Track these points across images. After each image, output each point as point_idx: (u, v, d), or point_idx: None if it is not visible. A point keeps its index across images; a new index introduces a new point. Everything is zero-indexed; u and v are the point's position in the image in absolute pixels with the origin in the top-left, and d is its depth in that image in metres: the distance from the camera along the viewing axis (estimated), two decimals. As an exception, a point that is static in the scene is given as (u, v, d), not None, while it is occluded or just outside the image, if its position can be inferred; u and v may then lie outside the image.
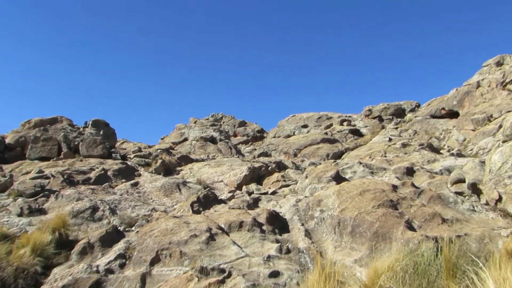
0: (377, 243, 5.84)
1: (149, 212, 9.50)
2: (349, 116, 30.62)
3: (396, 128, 23.21)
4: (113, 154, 15.28)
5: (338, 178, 9.84)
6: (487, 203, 7.22)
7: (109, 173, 12.70)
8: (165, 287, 5.43)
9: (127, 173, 13.24)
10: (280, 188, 11.75)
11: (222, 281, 5.21)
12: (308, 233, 6.90)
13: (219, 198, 10.54)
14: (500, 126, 14.10)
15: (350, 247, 6.14)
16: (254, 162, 15.56)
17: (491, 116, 16.41)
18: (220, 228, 6.96)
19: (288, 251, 6.21)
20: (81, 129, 17.00)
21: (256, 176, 13.22)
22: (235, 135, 35.71)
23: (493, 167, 7.09)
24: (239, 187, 12.31)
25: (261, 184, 12.69)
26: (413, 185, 8.17)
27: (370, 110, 29.19)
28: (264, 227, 7.12)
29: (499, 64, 20.62)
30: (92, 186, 11.28)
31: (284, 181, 12.38)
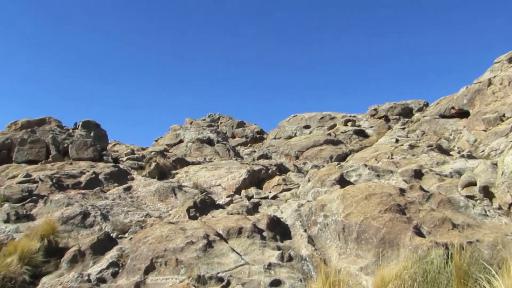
0: (384, 250, 5.84)
1: (143, 218, 9.50)
2: (354, 116, 30.67)
3: (403, 128, 23.24)
4: (104, 157, 15.28)
5: (343, 182, 9.85)
6: (499, 208, 7.25)
7: (100, 176, 12.70)
8: (161, 297, 5.43)
9: (120, 176, 13.24)
10: (281, 192, 11.75)
11: (221, 291, 5.21)
12: (311, 240, 6.91)
13: (217, 203, 10.54)
14: (513, 126, 14.15)
15: (355, 254, 6.15)
16: (253, 164, 15.57)
17: (504, 115, 16.44)
18: (218, 234, 6.96)
19: (290, 258, 6.21)
20: (71, 131, 17.00)
21: (256, 179, 13.23)
22: (233, 137, 35.73)
23: (506, 169, 7.11)
24: (237, 191, 12.31)
25: (261, 188, 12.69)
26: (421, 188, 8.19)
27: (375, 109, 29.23)
28: (264, 234, 7.12)
29: (511, 60, 20.68)
30: (83, 191, 11.28)
31: (286, 185, 12.39)
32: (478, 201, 7.64)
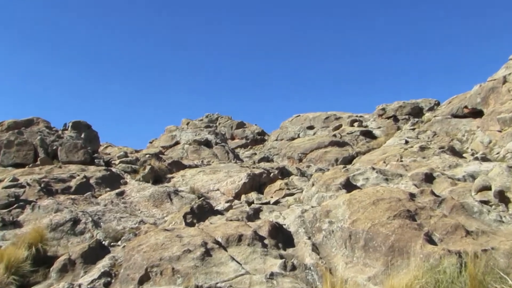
0: (393, 259, 5.84)
1: (136, 225, 9.51)
2: (361, 116, 30.70)
3: (413, 129, 23.26)
4: (96, 160, 15.29)
5: (349, 186, 9.85)
6: (516, 213, 7.23)
7: (91, 181, 12.71)
8: (156, 309, 5.44)
9: (112, 181, 13.25)
10: (283, 197, 11.75)
11: (220, 302, 5.21)
12: (315, 248, 6.91)
13: (215, 208, 10.55)
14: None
15: (363, 263, 6.15)
16: (254, 168, 15.58)
17: (520, 115, 16.44)
18: (217, 242, 6.97)
19: (294, 267, 6.21)
20: (60, 132, 17.03)
21: (257, 184, 13.23)
22: (232, 138, 35.79)
23: (522, 173, 7.11)
24: (237, 196, 12.32)
25: (262, 193, 12.70)
26: (432, 193, 8.19)
27: (383, 109, 29.27)
28: (266, 241, 7.12)
29: (528, 57, 20.68)
30: (73, 196, 11.29)
31: (288, 189, 12.39)
32: (493, 207, 7.64)
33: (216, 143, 25.42)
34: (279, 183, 13.01)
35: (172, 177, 15.07)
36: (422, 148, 16.42)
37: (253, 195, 12.15)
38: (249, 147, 33.72)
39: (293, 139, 29.74)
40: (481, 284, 3.88)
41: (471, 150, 16.83)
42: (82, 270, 7.00)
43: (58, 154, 14.74)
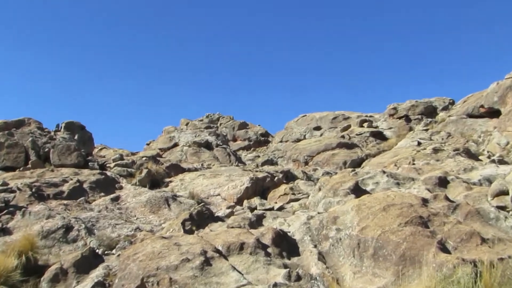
0: (404, 268, 5.83)
1: (132, 232, 9.53)
2: (370, 116, 30.68)
3: (426, 130, 23.21)
4: (90, 163, 15.36)
5: (358, 191, 9.84)
6: (535, 220, 7.20)
7: (85, 185, 12.76)
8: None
9: (107, 185, 13.29)
10: (288, 202, 11.75)
11: (220, 314, 5.22)
12: (322, 257, 6.90)
13: (216, 215, 10.56)
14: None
15: (372, 273, 6.13)
16: (257, 171, 15.60)
17: (540, 115, 16.38)
18: (217, 250, 6.97)
19: (298, 278, 6.21)
20: (52, 134, 17.11)
21: (260, 188, 13.23)
22: (234, 140, 35.85)
23: (542, 177, 7.09)
24: (239, 201, 12.33)
25: (265, 198, 12.71)
26: (446, 198, 8.17)
27: (395, 108, 29.22)
28: (269, 250, 7.12)
29: (548, 53, 20.61)
30: (65, 201, 11.33)
31: (293, 194, 12.39)
32: (511, 213, 7.61)
33: (217, 145, 25.48)
34: (283, 188, 13.01)
35: (170, 181, 15.11)
36: (436, 150, 16.37)
37: (256, 201, 12.16)
38: (252, 149, 33.75)
39: (298, 140, 29.75)
40: (498, 296, 3.87)
41: (488, 152, 16.77)
42: (74, 280, 7.03)
43: (50, 157, 14.82)
